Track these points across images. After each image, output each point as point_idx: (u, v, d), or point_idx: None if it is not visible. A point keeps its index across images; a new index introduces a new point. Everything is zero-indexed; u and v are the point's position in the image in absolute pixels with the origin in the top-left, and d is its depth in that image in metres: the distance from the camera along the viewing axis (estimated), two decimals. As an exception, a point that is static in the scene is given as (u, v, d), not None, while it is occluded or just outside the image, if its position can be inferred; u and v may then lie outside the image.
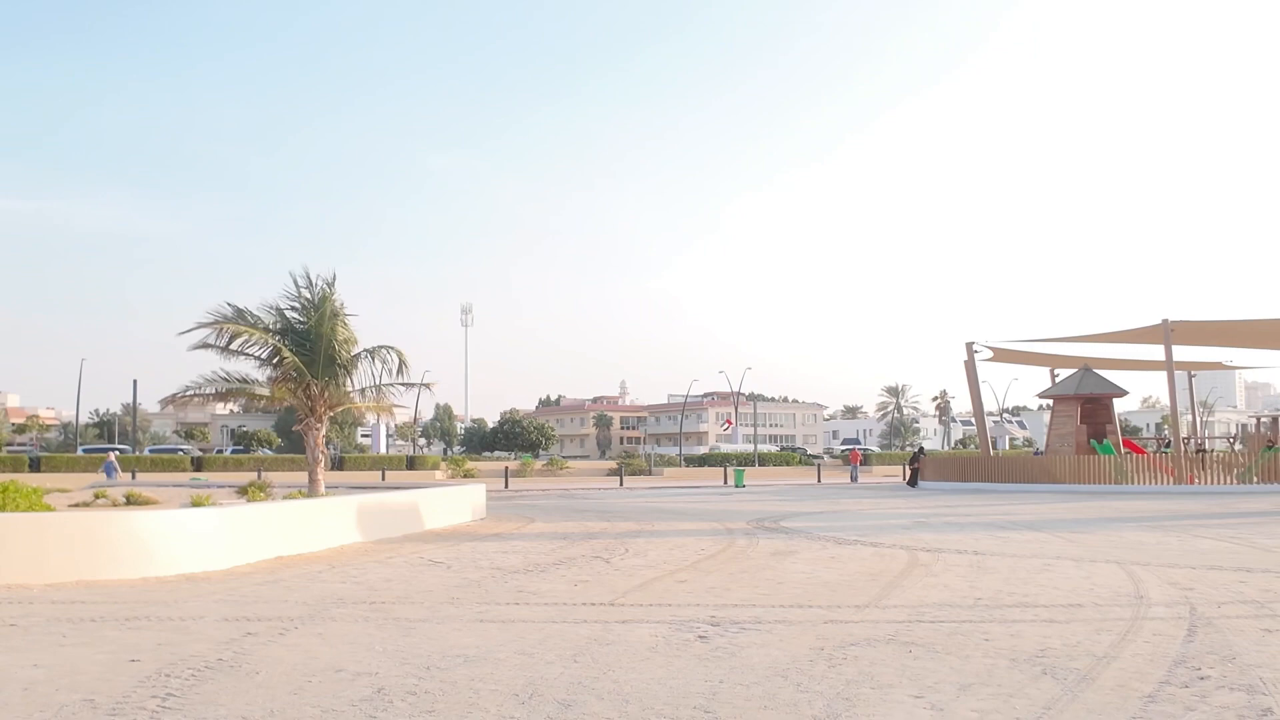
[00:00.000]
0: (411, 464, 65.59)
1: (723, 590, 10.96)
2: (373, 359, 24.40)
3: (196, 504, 20.34)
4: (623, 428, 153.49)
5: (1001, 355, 46.87)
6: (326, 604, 10.09)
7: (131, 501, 25.82)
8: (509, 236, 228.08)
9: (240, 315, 23.26)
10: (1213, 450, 43.84)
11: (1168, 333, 37.02)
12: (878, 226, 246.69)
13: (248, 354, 23.65)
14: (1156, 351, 43.60)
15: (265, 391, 24.50)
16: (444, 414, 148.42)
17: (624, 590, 10.97)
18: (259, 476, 46.01)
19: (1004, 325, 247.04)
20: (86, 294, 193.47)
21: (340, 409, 25.07)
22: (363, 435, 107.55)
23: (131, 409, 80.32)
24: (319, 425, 23.73)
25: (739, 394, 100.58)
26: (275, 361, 23.48)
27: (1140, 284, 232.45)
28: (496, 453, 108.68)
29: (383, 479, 51.04)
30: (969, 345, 44.00)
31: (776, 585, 11.38)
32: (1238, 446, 48.77)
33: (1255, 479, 34.51)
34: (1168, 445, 57.34)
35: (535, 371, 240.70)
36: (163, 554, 12.75)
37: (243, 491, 24.16)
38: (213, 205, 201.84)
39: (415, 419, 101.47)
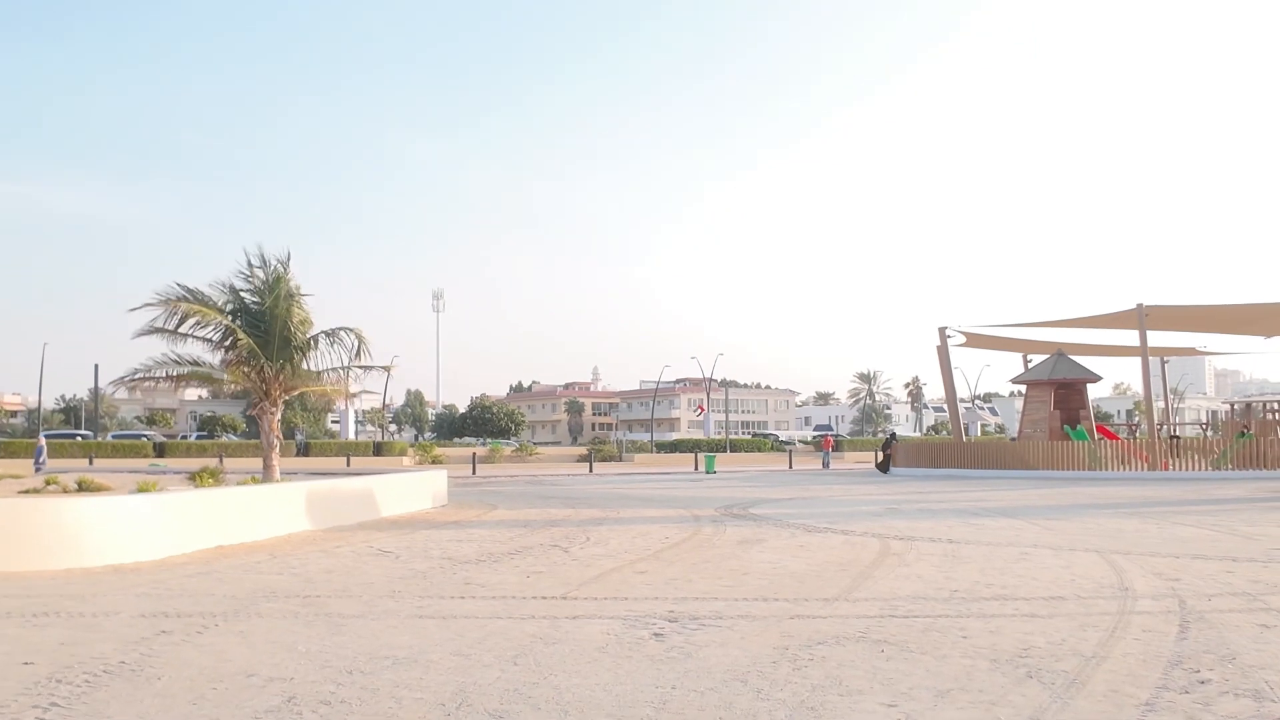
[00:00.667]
0: (379, 450, 64.61)
1: (684, 582, 10.31)
2: (330, 341, 23.57)
3: (143, 490, 19.58)
4: (595, 414, 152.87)
5: (974, 340, 46.45)
6: (256, 598, 9.38)
7: (83, 488, 24.97)
8: (485, 223, 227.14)
9: (191, 295, 22.40)
10: (1185, 437, 43.60)
11: (1142, 317, 36.60)
12: (852, 213, 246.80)
13: (200, 336, 22.81)
14: (1130, 337, 43.31)
15: (219, 375, 23.67)
16: (415, 400, 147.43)
17: (579, 582, 10.31)
18: (220, 462, 45.19)
19: (977, 312, 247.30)
20: (56, 279, 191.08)
21: (296, 392, 24.28)
22: (333, 421, 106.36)
23: (94, 394, 78.89)
24: (274, 409, 22.92)
25: (711, 380, 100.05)
26: (228, 343, 22.62)
27: (1113, 269, 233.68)
28: (465, 439, 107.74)
29: (348, 465, 50.21)
30: (942, 330, 43.52)
31: (741, 576, 10.75)
32: (1211, 433, 48.55)
33: (1229, 465, 34.20)
34: (1137, 430, 57.30)
35: (509, 358, 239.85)
36: (91, 544, 11.98)
37: (194, 478, 23.31)
38: (186, 191, 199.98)
39: (386, 404, 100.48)
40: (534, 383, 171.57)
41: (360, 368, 23.83)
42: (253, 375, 22.81)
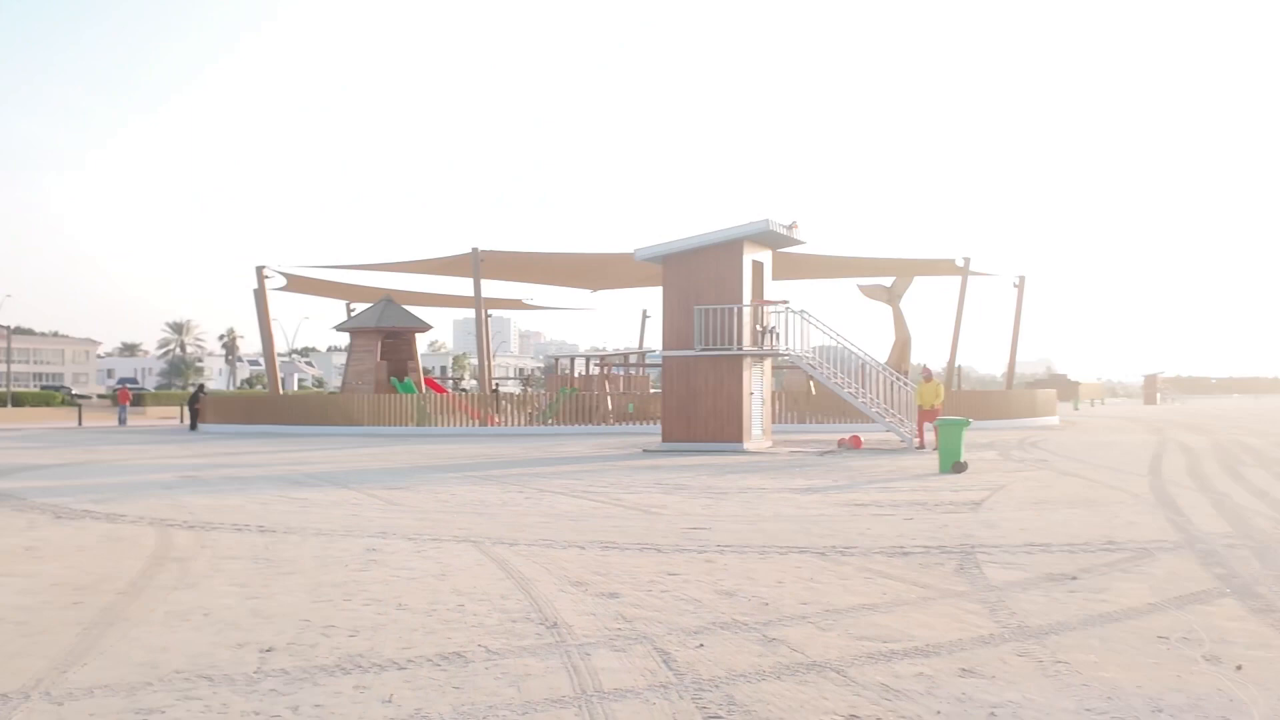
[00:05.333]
0: None
1: None
2: None
3: None
4: None
5: (297, 284, 41.92)
6: None
7: None
8: None
9: None
10: (506, 391, 42.78)
11: (477, 263, 34.60)
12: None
13: None
14: (459, 285, 41.49)
15: None
16: None
17: None
18: None
19: (301, 258, 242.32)
20: None
21: None
22: None
23: None
24: None
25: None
26: None
27: (445, 220, 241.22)
28: None
29: None
30: (260, 270, 38.50)
31: None
32: (536, 389, 48.47)
33: (552, 420, 33.31)
34: (460, 385, 56.69)
35: None
36: None
37: None
38: None
39: None
40: None
41: None
42: None
